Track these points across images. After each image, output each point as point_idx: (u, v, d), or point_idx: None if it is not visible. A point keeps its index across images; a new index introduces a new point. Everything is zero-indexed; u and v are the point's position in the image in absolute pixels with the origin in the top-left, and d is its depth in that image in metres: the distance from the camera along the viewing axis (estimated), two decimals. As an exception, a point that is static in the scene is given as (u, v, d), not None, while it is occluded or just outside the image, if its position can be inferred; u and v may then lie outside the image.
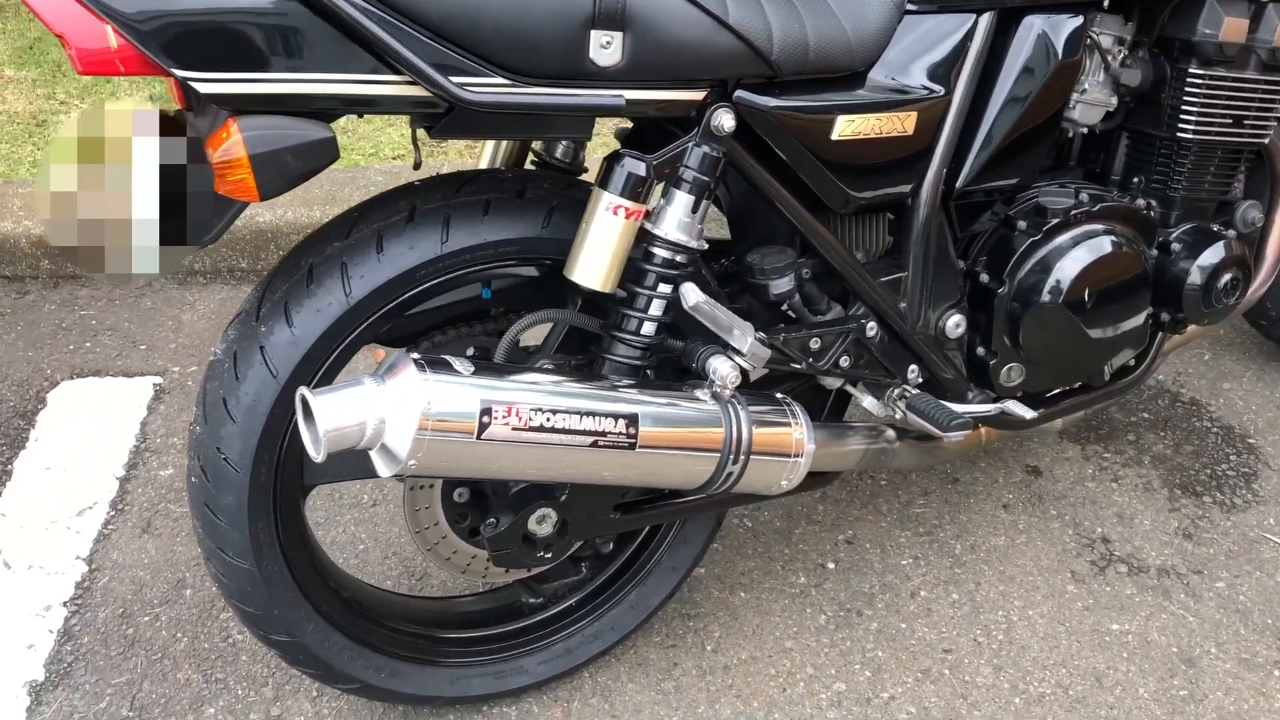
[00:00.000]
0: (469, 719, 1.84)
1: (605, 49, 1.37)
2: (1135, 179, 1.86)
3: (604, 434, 1.37)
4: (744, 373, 1.57)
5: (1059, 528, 2.19)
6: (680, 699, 1.88)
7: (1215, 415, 2.46)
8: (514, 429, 1.30)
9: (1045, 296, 1.74)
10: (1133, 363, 1.97)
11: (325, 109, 1.30)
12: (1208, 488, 2.28)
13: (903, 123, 1.60)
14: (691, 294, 1.50)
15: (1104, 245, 1.75)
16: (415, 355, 1.31)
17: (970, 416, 1.69)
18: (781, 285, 1.64)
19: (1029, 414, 1.80)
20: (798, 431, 1.56)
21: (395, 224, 1.51)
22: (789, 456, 1.55)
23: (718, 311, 1.52)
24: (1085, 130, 1.79)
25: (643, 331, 1.54)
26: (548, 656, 1.85)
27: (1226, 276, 1.86)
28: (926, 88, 1.62)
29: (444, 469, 1.31)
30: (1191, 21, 1.74)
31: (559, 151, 1.84)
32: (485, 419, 1.28)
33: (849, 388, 1.78)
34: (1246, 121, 1.80)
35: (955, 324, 1.77)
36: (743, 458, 1.50)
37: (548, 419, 1.33)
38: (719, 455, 1.49)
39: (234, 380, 1.48)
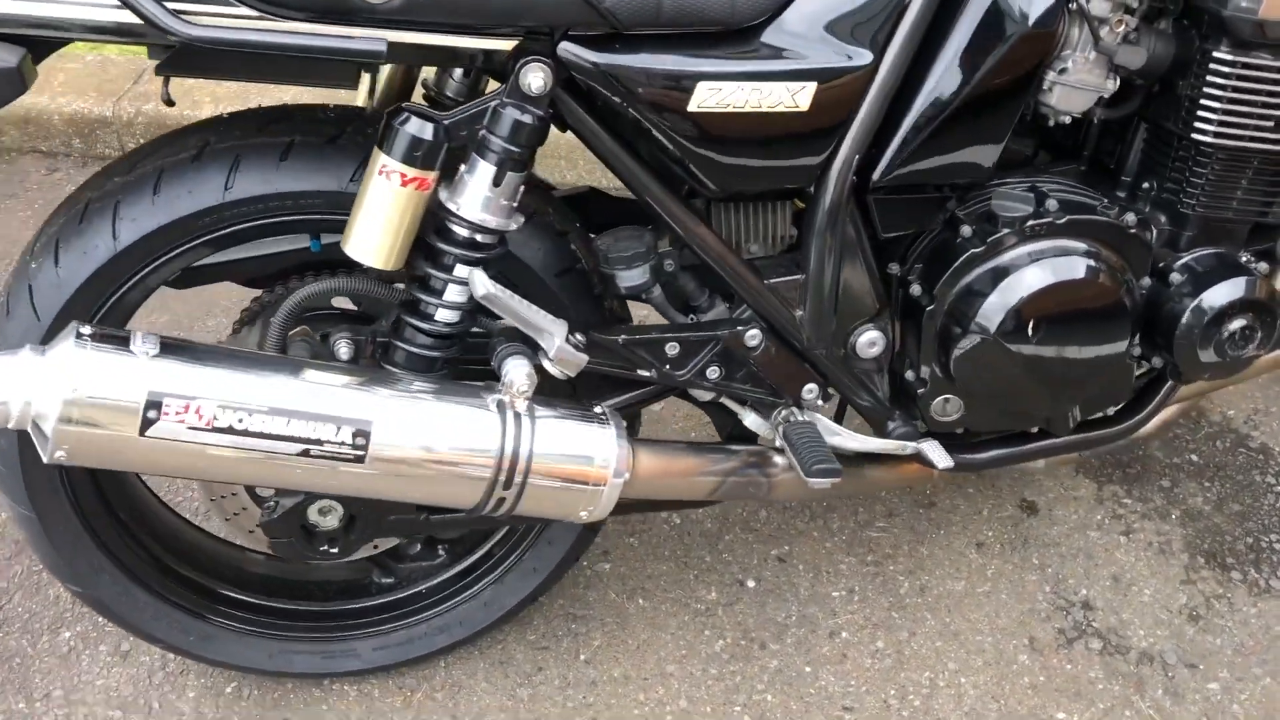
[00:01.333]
0: (309, 690, 1.71)
1: (375, -19, 1.13)
2: (1145, 184, 1.46)
3: (320, 443, 1.17)
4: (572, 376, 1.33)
5: (1036, 581, 1.84)
6: (530, 710, 1.69)
7: (1285, 470, 2.02)
8: (191, 428, 1.11)
9: (980, 323, 1.40)
10: (1113, 411, 1.59)
11: (14, 32, 1.12)
12: (1241, 561, 1.87)
13: (794, 96, 1.28)
14: (481, 283, 1.26)
15: (1065, 268, 1.39)
16: (86, 326, 1.13)
17: (837, 466, 1.37)
18: (632, 278, 1.37)
19: (944, 461, 1.47)
20: (604, 457, 1.30)
21: (179, 163, 1.32)
22: (586, 485, 1.30)
23: (517, 305, 1.28)
24: (1067, 120, 1.39)
25: (438, 319, 1.31)
26: (386, 643, 1.69)
27: (1237, 322, 1.45)
28: (841, 53, 1.29)
29: (109, 464, 1.14)
30: (1209, -7, 1.32)
31: (450, 88, 1.60)
32: (152, 413, 1.10)
33: (726, 401, 1.50)
34: (1298, 128, 1.37)
35: (869, 341, 1.46)
36: (518, 482, 1.27)
37: (240, 420, 1.13)
38: (487, 478, 1.26)
39: (4, 316, 1.36)
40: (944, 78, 1.32)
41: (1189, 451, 2.04)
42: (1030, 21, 1.29)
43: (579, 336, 1.32)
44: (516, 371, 1.27)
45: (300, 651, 1.66)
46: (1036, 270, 1.38)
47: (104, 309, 1.34)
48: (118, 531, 1.54)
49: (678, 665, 1.75)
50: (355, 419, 1.18)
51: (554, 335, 1.28)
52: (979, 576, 1.85)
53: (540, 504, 1.30)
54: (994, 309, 1.39)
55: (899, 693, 1.70)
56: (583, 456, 1.30)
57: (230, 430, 1.13)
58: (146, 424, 1.10)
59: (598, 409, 1.36)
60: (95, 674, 1.74)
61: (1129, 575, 1.85)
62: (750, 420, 1.51)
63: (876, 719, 1.67)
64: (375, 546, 1.53)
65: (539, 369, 1.31)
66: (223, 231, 1.33)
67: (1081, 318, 1.41)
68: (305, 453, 1.17)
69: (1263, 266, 1.48)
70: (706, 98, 1.26)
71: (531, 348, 1.31)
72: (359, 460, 1.19)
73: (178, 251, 1.34)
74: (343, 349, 1.36)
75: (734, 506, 1.97)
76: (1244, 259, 1.48)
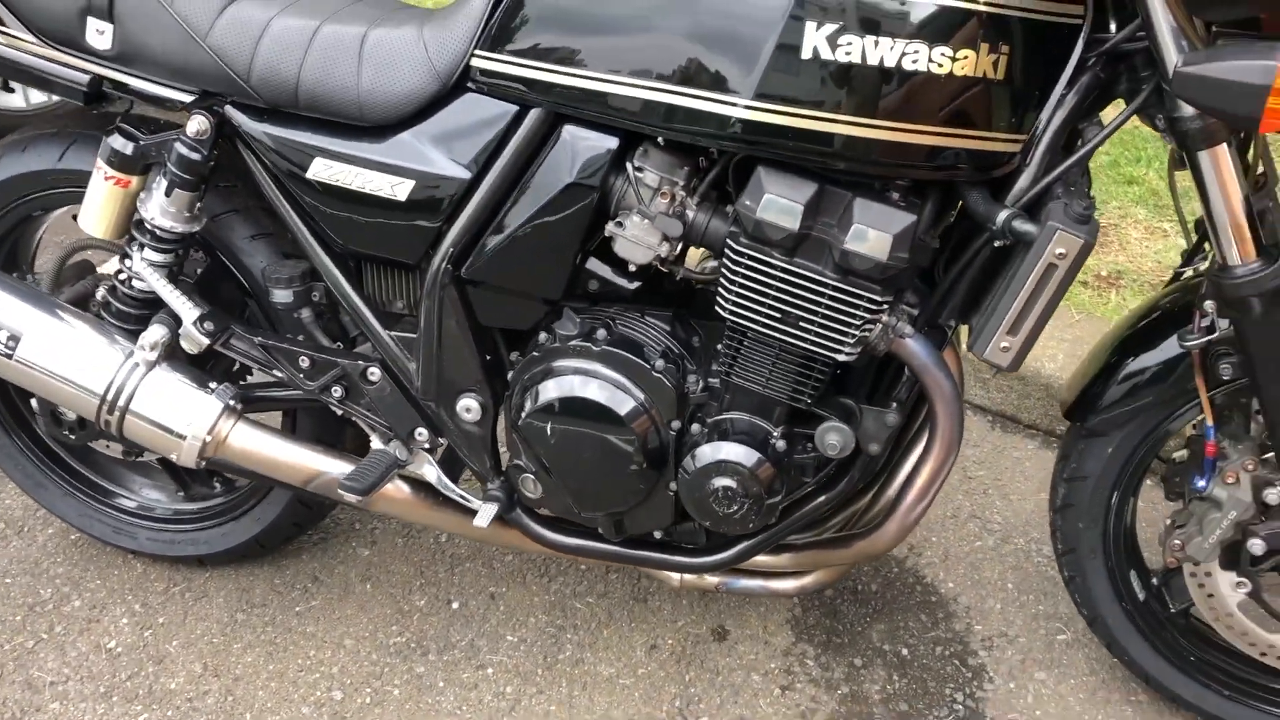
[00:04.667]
0: (112, 556, 2.22)
1: (100, 34, 1.62)
2: (719, 345, 1.62)
3: (-16, 336, 1.67)
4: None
5: (673, 694, 1.97)
6: (233, 631, 2.10)
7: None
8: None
9: (520, 417, 1.64)
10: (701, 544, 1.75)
11: None
12: (869, 754, 1.88)
13: (394, 188, 1.61)
14: (138, 261, 1.70)
15: (583, 387, 1.59)
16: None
17: (359, 486, 1.67)
18: (281, 296, 1.75)
19: (483, 521, 1.71)
20: (192, 419, 1.70)
21: (44, 136, 1.88)
22: (172, 434, 1.70)
23: (161, 286, 1.71)
24: (633, 268, 1.58)
25: (133, 285, 1.77)
26: (156, 537, 2.17)
27: (719, 482, 1.56)
28: (446, 165, 1.60)
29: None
30: (740, 184, 1.47)
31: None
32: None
33: (359, 422, 1.82)
34: (804, 325, 1.47)
35: (466, 408, 1.73)
36: (119, 410, 1.70)
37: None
38: (96, 400, 1.70)
39: None
40: (520, 203, 1.58)
41: (905, 644, 2.04)
42: (575, 177, 1.53)
43: (209, 324, 1.72)
44: (150, 332, 1.71)
45: (99, 520, 2.17)
46: (559, 383, 1.59)
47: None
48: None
49: (354, 642, 2.08)
50: (12, 327, 1.67)
51: (184, 317, 1.70)
52: (629, 671, 2.01)
53: (139, 435, 1.73)
54: (528, 407, 1.62)
55: (493, 731, 1.92)
56: (175, 412, 1.71)
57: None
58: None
59: (213, 384, 1.75)
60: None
61: (755, 721, 1.93)
62: (375, 443, 1.82)
63: (457, 742, 1.90)
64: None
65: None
66: (57, 190, 1.87)
67: (593, 434, 1.60)
68: (-28, 339, 1.68)
69: (779, 444, 1.58)
70: (321, 171, 1.62)
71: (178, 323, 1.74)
72: (8, 357, 1.68)
73: (31, 196, 1.89)
74: (99, 294, 1.85)
75: (489, 545, 2.26)
76: (774, 433, 1.58)
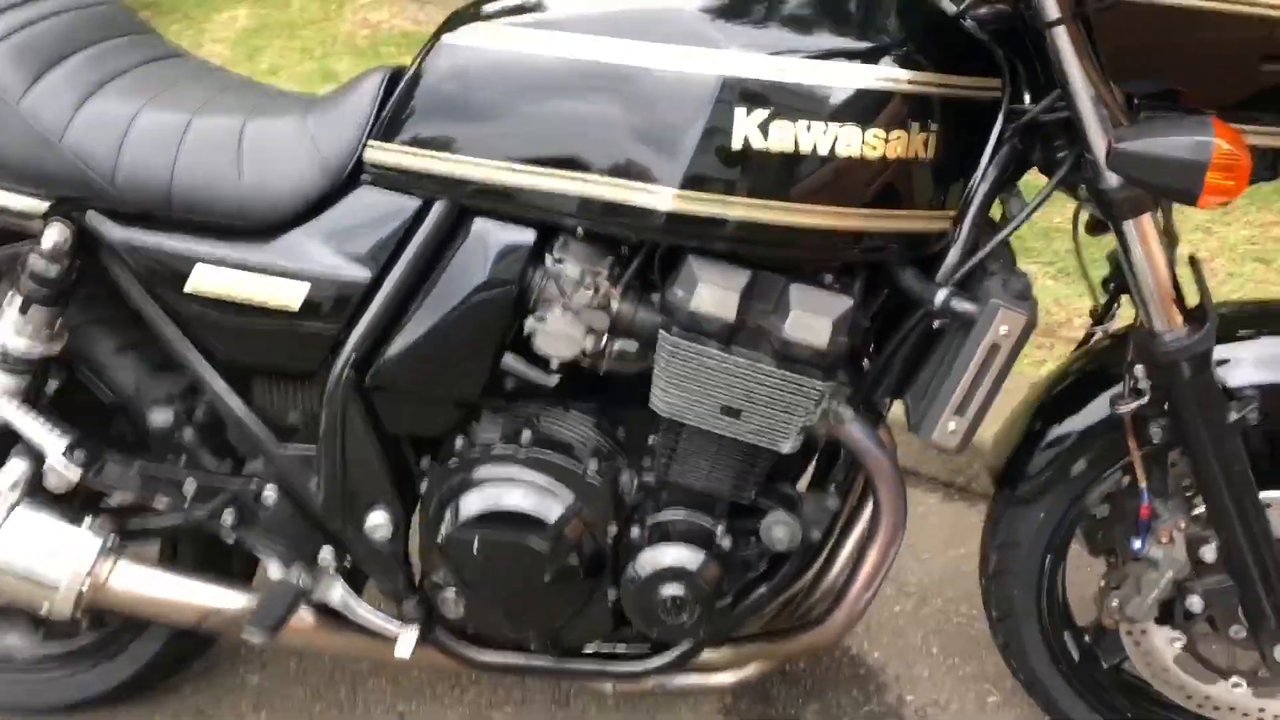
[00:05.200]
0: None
1: (-68, 141, 1.43)
2: (650, 440, 1.53)
3: None
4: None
5: (605, 804, 1.86)
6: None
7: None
8: None
9: (441, 530, 1.53)
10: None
11: None
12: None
13: (286, 294, 1.47)
14: (-9, 393, 1.51)
15: (510, 496, 1.49)
16: None
17: (267, 627, 1.51)
18: (159, 418, 1.59)
19: (403, 651, 1.57)
20: (64, 564, 1.52)
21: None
22: (42, 585, 1.51)
23: (20, 421, 1.52)
24: (555, 363, 1.48)
25: (-15, 415, 1.57)
26: (17, 684, 1.92)
27: (667, 591, 1.48)
28: (344, 265, 1.47)
29: None
30: (670, 276, 1.40)
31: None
32: None
33: (252, 549, 1.66)
34: (746, 417, 1.41)
35: (375, 524, 1.59)
36: (-23, 561, 1.50)
37: None
38: (-50, 549, 1.50)
39: None
40: (429, 302, 1.46)
41: (844, 723, 1.99)
42: (489, 272, 1.43)
43: (79, 454, 1.54)
44: (8, 469, 1.52)
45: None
46: (482, 494, 1.48)
47: None
48: None
49: (257, 782, 1.89)
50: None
51: (47, 450, 1.51)
52: (560, 784, 1.89)
53: (1, 590, 1.52)
54: (449, 522, 1.51)
55: None
56: (44, 558, 1.51)
57: None
58: None
59: (88, 521, 1.56)
60: None
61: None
62: (273, 570, 1.66)
63: None
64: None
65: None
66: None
67: (523, 547, 1.49)
68: None
69: (724, 542, 1.51)
70: (201, 280, 1.47)
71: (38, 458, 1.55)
72: None
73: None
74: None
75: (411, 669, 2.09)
76: (717, 530, 1.51)
